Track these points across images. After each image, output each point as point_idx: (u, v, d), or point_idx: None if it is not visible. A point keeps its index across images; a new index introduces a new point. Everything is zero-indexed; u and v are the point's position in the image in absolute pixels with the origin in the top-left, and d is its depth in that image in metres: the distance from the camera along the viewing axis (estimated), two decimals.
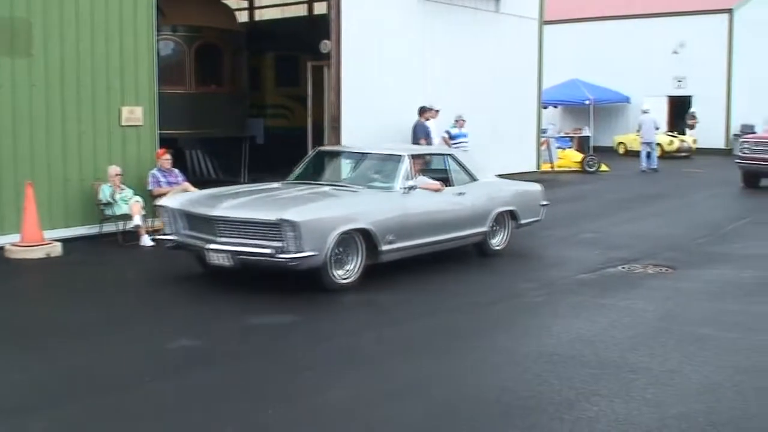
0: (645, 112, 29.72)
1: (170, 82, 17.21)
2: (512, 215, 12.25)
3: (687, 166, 30.07)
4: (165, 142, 14.38)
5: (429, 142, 18.17)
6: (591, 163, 27.01)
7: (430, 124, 18.39)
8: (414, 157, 11.04)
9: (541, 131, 25.08)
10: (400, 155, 10.91)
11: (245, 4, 25.69)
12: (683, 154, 33.18)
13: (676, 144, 33.66)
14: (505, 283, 10.50)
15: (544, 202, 12.88)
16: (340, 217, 9.52)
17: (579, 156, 28.02)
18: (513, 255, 12.32)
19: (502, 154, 22.29)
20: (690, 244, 13.37)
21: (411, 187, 10.50)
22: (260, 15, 26.17)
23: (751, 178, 21.65)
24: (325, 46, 17.40)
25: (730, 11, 37.77)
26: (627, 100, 38.79)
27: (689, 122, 35.79)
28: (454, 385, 6.54)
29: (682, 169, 28.22)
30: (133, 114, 13.62)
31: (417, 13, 19.44)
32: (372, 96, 18.23)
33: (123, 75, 13.49)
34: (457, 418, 5.84)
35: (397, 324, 8.34)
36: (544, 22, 24.24)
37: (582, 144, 32.23)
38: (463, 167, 11.92)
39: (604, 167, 27.23)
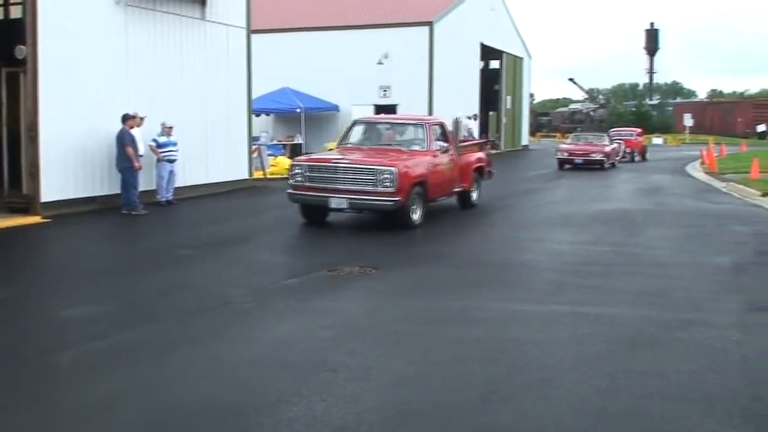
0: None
1: None
2: None
3: None
4: None
5: (135, 151, 17.76)
6: None
7: (135, 132, 17.96)
8: None
9: (252, 139, 25.22)
10: None
11: None
12: None
13: None
14: (215, 290, 10.42)
15: None
16: None
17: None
18: (219, 258, 12.32)
19: (215, 162, 22.27)
20: (394, 245, 13.95)
21: None
22: None
23: (312, 214, 15.95)
24: (21, 51, 16.52)
25: (430, 24, 39.91)
26: (336, 108, 39.94)
27: None
28: (156, 397, 6.41)
29: None
30: None
31: (118, 19, 18.89)
32: (74, 103, 17.53)
33: None
34: None
35: (100, 338, 8.04)
36: (252, 31, 24.38)
37: (294, 151, 32.84)
38: None
39: None
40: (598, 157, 34.46)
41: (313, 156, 17.36)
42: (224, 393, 6.43)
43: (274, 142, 33.89)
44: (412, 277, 11.30)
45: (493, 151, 49.20)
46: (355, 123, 17.89)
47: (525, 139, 60.27)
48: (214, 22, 22.16)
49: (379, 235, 14.86)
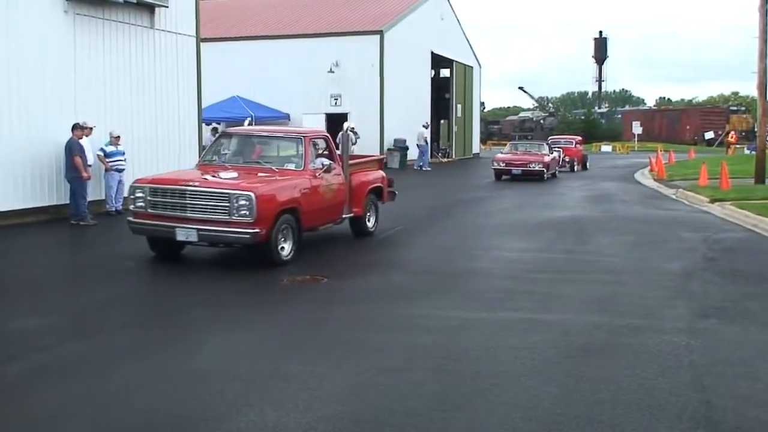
0: (352, 131, 31.62)
1: None
2: None
3: None
4: None
5: (84, 160, 17.54)
6: None
7: (84, 141, 17.75)
8: None
9: (203, 148, 25.00)
10: None
11: None
12: None
13: None
14: (164, 300, 10.31)
15: None
16: None
17: None
18: (167, 269, 12.19)
19: (165, 170, 21.99)
20: (345, 254, 13.96)
21: None
22: None
23: (160, 247, 13.24)
24: None
25: (380, 33, 40.01)
26: (287, 117, 39.84)
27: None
28: (102, 410, 6.27)
29: None
30: None
31: (67, 27, 18.64)
32: (21, 113, 17.29)
33: None
34: None
35: (43, 351, 7.89)
36: (201, 40, 24.20)
37: None
38: None
39: None
40: (537, 167, 32.60)
41: (158, 176, 14.11)
42: (170, 405, 6.34)
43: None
44: (364, 285, 11.29)
45: (445, 160, 49.73)
46: (221, 136, 15.24)
47: (476, 147, 60.68)
48: (163, 30, 21.96)
49: (332, 244, 14.83)
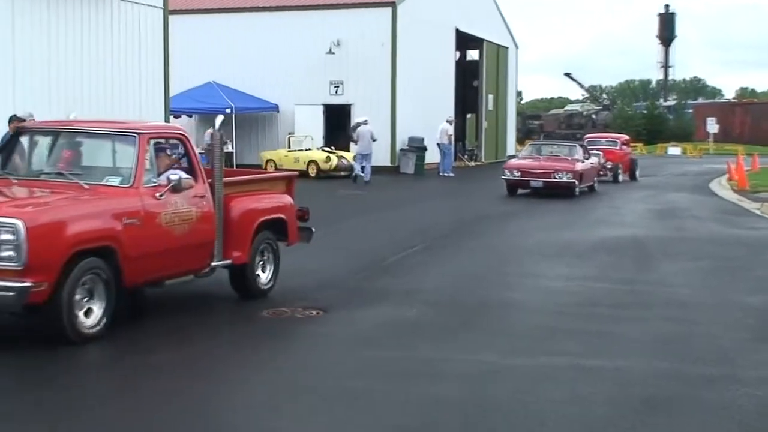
0: (364, 123, 32.05)
1: None
2: None
3: (346, 186, 31.35)
4: None
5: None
6: None
7: None
8: None
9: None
10: None
11: None
12: (343, 173, 34.51)
13: (335, 161, 34.97)
14: (132, 340, 10.25)
15: None
16: None
17: None
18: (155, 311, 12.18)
19: None
20: (347, 280, 13.90)
21: None
22: None
23: None
24: None
25: (392, 4, 39.81)
26: (276, 108, 39.79)
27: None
28: None
29: (338, 191, 29.36)
30: None
31: (3, 2, 18.74)
32: None
33: None
34: None
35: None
36: (170, 12, 24.29)
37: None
38: None
39: None
40: (566, 178, 29.05)
41: None
42: None
43: (199, 150, 33.74)
44: (370, 321, 11.24)
45: (472, 163, 49.72)
46: (16, 133, 11.87)
47: (511, 148, 60.46)
48: (122, 0, 22.05)
49: (330, 265, 14.79)
